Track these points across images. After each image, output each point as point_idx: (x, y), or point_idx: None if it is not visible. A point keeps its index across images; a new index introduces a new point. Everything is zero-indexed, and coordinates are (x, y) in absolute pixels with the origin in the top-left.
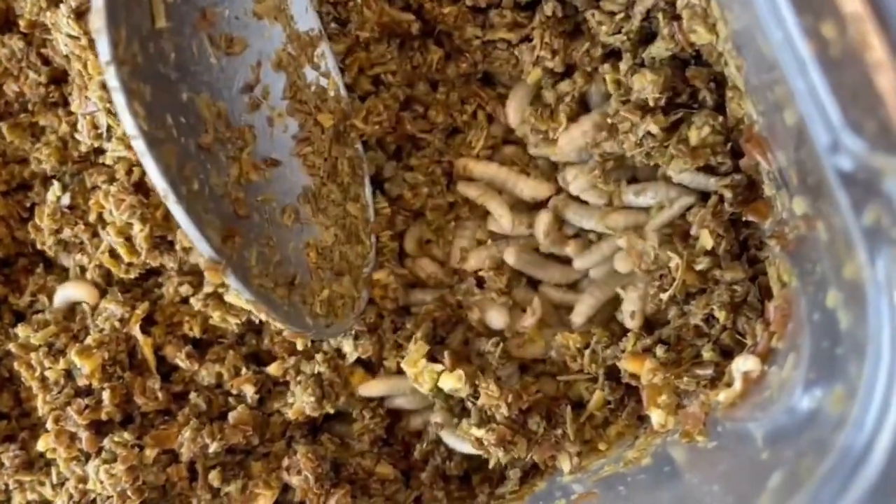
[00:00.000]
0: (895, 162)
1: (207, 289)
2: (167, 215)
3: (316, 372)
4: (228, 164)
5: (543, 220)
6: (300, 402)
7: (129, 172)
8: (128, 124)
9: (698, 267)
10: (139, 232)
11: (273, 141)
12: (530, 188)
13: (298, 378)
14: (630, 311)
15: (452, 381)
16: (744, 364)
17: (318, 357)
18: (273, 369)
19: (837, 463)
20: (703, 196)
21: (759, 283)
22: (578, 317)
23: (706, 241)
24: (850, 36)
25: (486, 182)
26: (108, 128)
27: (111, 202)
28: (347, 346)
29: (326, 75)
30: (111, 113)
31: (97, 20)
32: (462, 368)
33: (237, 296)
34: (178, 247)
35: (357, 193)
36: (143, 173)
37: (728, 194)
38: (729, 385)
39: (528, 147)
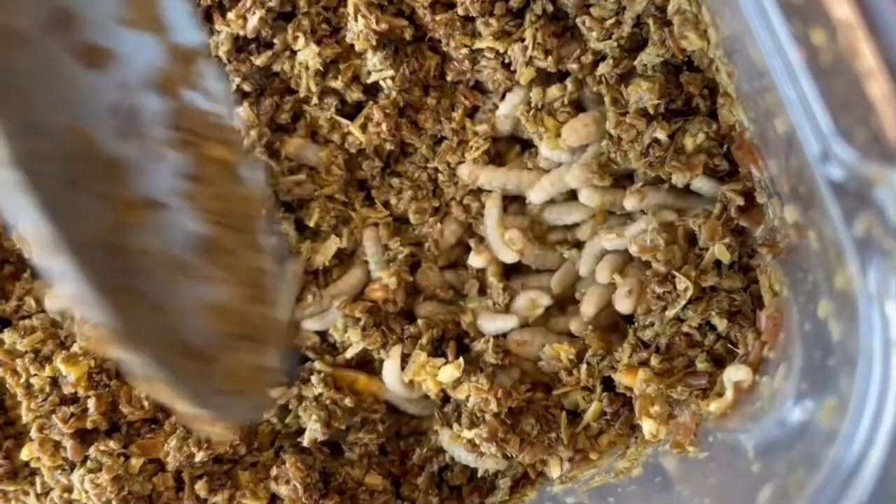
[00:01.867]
0: (886, 171)
1: None
2: None
3: (316, 395)
4: (103, 205)
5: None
6: (311, 433)
7: None
8: None
9: (706, 283)
10: None
11: (154, 178)
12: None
13: (303, 405)
14: (626, 290)
15: (451, 370)
16: (735, 374)
17: (314, 379)
18: (275, 393)
19: (828, 478)
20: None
21: (751, 291)
22: (590, 307)
23: (723, 255)
24: (841, 43)
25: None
26: None
27: None
28: (354, 337)
29: (213, 98)
30: None
31: None
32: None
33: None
34: None
35: (258, 242)
36: None
37: (739, 200)
38: (720, 395)
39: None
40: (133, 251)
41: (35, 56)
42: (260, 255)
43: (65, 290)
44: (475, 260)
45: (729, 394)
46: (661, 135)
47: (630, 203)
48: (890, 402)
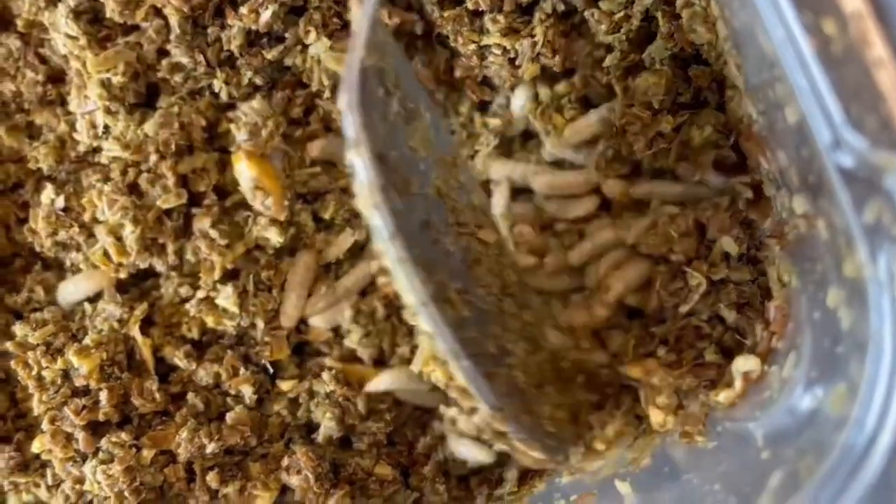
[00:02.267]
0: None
1: (200, 294)
2: (160, 218)
3: (328, 391)
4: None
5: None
6: (326, 430)
7: (123, 173)
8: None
9: (716, 277)
10: (130, 233)
11: (453, 271)
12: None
13: (315, 401)
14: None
15: None
16: (744, 364)
17: (326, 376)
18: (286, 385)
19: (838, 462)
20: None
21: (759, 283)
22: (614, 293)
23: (731, 247)
24: (851, 33)
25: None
26: (106, 127)
27: (104, 201)
28: (354, 338)
29: (472, 191)
30: (109, 112)
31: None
32: None
33: (510, 440)
34: (169, 250)
35: (527, 300)
36: (138, 174)
37: (748, 193)
38: (729, 385)
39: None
40: (467, 337)
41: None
42: (530, 311)
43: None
44: None
45: (738, 384)
46: (666, 127)
47: (639, 193)
48: None
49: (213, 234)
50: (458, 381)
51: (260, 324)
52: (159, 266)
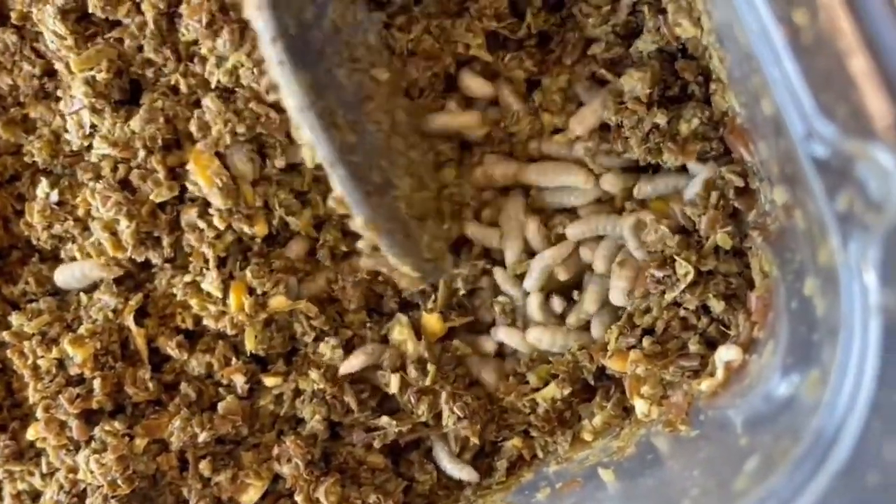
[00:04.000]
0: (867, 147)
1: (187, 277)
2: (153, 212)
3: (315, 389)
4: (337, 130)
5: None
6: (312, 427)
7: (114, 170)
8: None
9: (706, 268)
10: (125, 228)
11: (347, 104)
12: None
13: (301, 398)
14: (622, 288)
15: (433, 323)
16: (727, 354)
17: (314, 375)
18: (270, 381)
19: (811, 445)
20: None
21: (744, 276)
22: (619, 294)
23: (725, 242)
24: (822, 22)
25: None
26: (93, 126)
27: (97, 199)
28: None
29: (368, 30)
30: (95, 110)
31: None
32: None
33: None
34: (164, 242)
35: (415, 140)
36: (128, 170)
37: (738, 181)
38: (712, 375)
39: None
40: (354, 163)
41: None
42: (417, 151)
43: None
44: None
45: (720, 373)
46: (661, 120)
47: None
48: (868, 368)
49: (202, 224)
50: (337, 191)
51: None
52: (155, 258)
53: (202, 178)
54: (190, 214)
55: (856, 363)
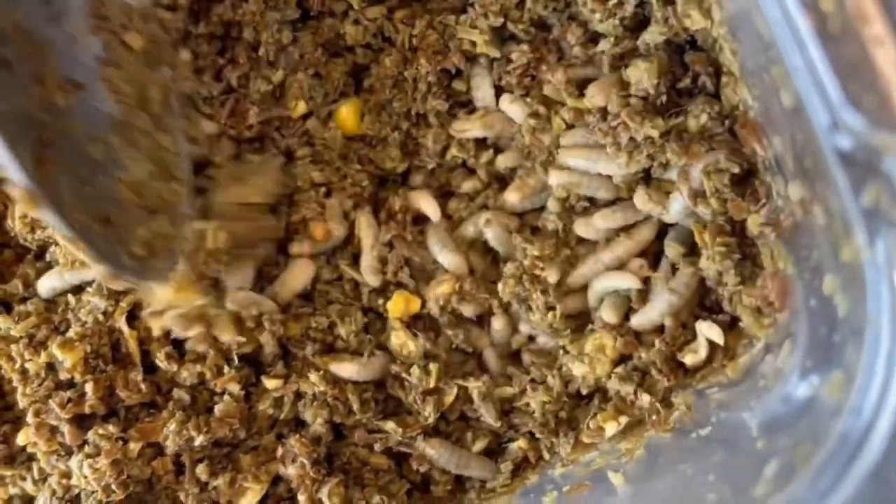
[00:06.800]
0: (895, 140)
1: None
2: None
3: (315, 392)
4: (31, 84)
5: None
6: (315, 429)
7: None
8: None
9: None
10: None
11: (77, 62)
12: None
13: (303, 402)
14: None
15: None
16: (708, 330)
17: (314, 377)
18: (271, 384)
19: (834, 451)
20: None
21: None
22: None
23: (729, 275)
24: (849, 9)
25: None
26: None
27: None
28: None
29: None
30: None
31: None
32: None
33: (54, 231)
34: None
35: (169, 124)
36: None
37: (734, 168)
38: (695, 352)
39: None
40: (58, 128)
41: None
42: (170, 137)
43: None
44: None
45: (702, 351)
46: (654, 132)
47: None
48: None
49: None
50: None
51: None
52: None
53: None
54: None
55: (884, 364)
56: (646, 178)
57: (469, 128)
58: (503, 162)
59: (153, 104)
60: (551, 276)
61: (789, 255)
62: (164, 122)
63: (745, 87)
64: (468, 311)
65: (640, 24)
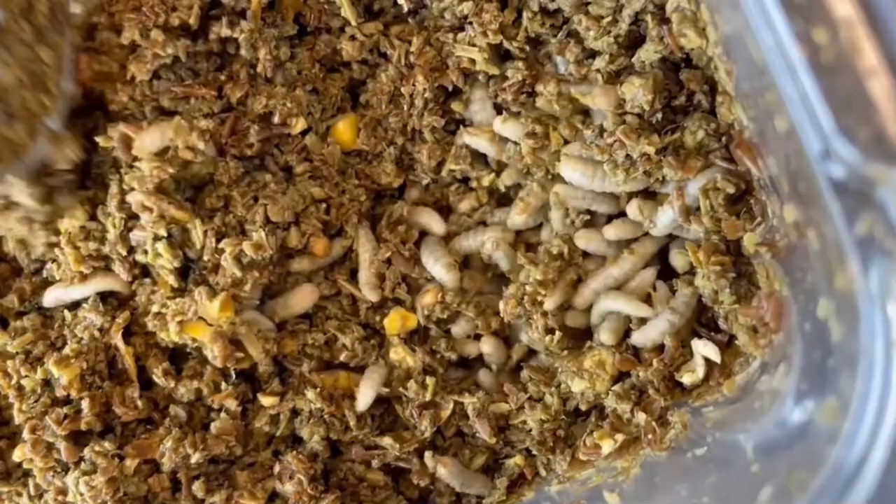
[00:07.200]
0: (889, 171)
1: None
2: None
3: (312, 409)
4: None
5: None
6: (311, 446)
7: None
8: None
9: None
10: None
11: None
12: None
13: (300, 419)
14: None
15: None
16: (703, 348)
17: (311, 395)
18: (267, 401)
19: (830, 478)
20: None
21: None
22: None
23: (724, 293)
24: (842, 41)
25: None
26: None
27: None
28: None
29: None
30: None
31: None
32: None
33: None
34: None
35: (54, 40)
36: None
37: (730, 188)
38: (693, 371)
39: None
40: None
41: None
42: (52, 54)
43: None
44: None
45: (699, 370)
46: (650, 149)
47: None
48: (892, 402)
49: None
50: None
51: None
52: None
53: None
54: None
55: (878, 394)
56: (646, 192)
57: (478, 134)
58: (503, 180)
59: (38, 16)
60: (550, 304)
61: (784, 277)
62: (49, 36)
63: (741, 107)
64: (458, 330)
65: (635, 41)
